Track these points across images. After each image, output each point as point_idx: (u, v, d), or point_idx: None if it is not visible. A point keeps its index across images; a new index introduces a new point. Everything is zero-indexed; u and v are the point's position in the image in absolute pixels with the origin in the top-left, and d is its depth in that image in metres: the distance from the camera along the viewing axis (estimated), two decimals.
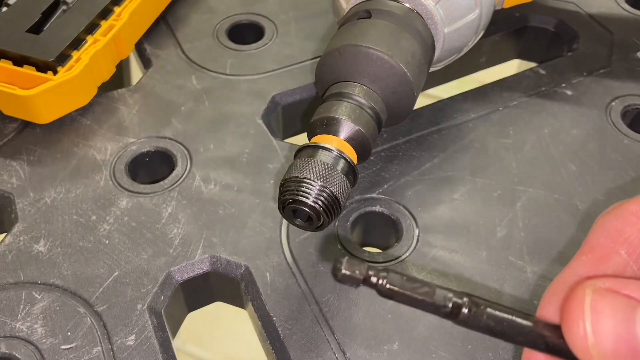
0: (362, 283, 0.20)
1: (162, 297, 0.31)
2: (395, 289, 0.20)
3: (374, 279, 0.20)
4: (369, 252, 0.32)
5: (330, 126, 0.29)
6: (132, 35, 0.40)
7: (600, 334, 0.18)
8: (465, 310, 0.20)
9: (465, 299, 0.20)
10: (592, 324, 0.19)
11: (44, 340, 0.28)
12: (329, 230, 0.32)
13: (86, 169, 0.35)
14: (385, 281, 0.20)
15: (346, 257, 0.20)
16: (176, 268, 0.31)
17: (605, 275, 0.20)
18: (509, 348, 0.28)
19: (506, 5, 0.42)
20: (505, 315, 0.20)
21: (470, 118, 0.38)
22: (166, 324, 0.30)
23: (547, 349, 0.20)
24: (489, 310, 0.20)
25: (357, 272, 0.19)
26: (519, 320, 0.20)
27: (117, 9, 0.39)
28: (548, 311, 0.21)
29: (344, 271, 0.19)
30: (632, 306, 0.18)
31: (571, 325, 0.19)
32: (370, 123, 0.30)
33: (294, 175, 0.27)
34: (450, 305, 0.20)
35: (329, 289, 0.30)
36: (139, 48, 0.42)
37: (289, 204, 0.27)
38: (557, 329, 0.20)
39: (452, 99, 0.39)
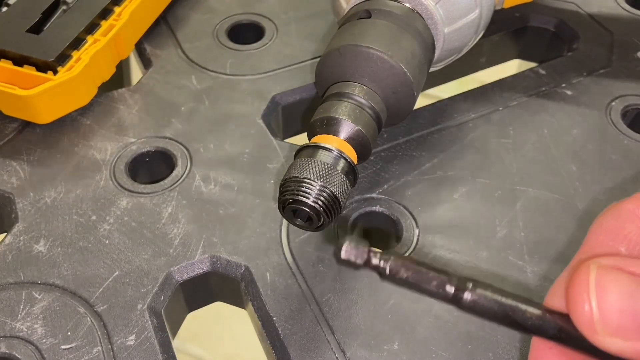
0: (363, 266, 0.19)
1: (162, 297, 0.31)
2: (397, 273, 0.19)
3: (375, 262, 0.19)
4: None
5: (330, 126, 0.29)
6: (132, 35, 0.40)
7: (605, 309, 0.18)
8: (468, 295, 0.19)
9: (469, 284, 0.19)
10: (597, 299, 0.18)
11: (44, 340, 0.28)
12: (329, 230, 0.32)
13: (86, 169, 0.35)
14: (386, 264, 0.19)
15: (348, 240, 0.19)
16: (176, 268, 0.31)
17: (609, 253, 0.20)
18: (509, 348, 0.28)
19: (506, 5, 0.42)
20: (512, 301, 0.19)
21: (470, 118, 0.38)
22: (166, 324, 0.30)
23: (556, 335, 0.20)
24: (494, 295, 0.19)
25: (358, 257, 0.19)
26: (527, 306, 0.19)
27: (117, 9, 0.39)
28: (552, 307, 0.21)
29: (343, 256, 0.19)
30: (637, 282, 0.18)
31: (576, 301, 0.19)
32: (370, 123, 0.30)
33: (294, 175, 0.27)
34: (453, 289, 0.19)
35: (329, 289, 0.30)
36: (139, 48, 0.42)
37: (289, 204, 0.27)
38: (565, 317, 0.20)
39: (452, 99, 0.39)
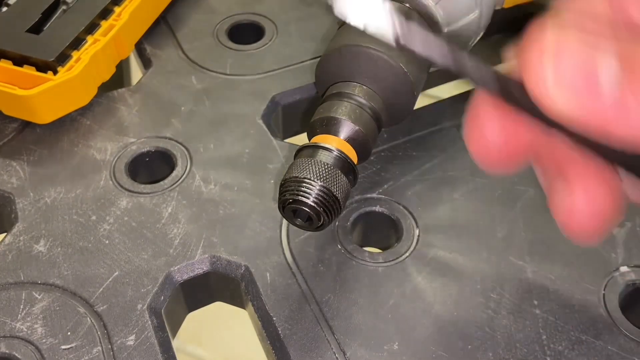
0: None
1: (162, 297, 0.31)
2: None
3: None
4: (369, 252, 0.32)
5: (330, 126, 0.29)
6: (132, 35, 0.40)
7: (560, 63, 0.18)
8: (408, 26, 0.17)
9: (413, 13, 0.18)
10: (554, 54, 0.18)
11: (44, 340, 0.28)
12: (329, 230, 0.32)
13: (86, 169, 0.35)
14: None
15: None
16: (176, 268, 0.31)
17: (571, 12, 0.19)
18: (509, 348, 0.28)
19: (506, 5, 0.42)
20: (452, 44, 0.18)
21: None
22: (166, 324, 0.30)
23: (500, 90, 0.19)
24: (437, 35, 0.18)
25: None
26: (474, 57, 0.18)
27: (117, 9, 0.39)
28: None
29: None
30: (595, 42, 0.18)
31: (530, 55, 0.18)
32: (370, 123, 0.30)
33: (294, 175, 0.27)
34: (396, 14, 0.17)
35: (329, 289, 0.30)
36: (139, 48, 0.42)
37: (289, 204, 0.27)
38: (515, 82, 0.19)
39: (452, 99, 0.39)
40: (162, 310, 0.30)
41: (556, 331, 0.29)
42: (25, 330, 0.29)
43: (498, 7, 0.38)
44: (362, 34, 0.31)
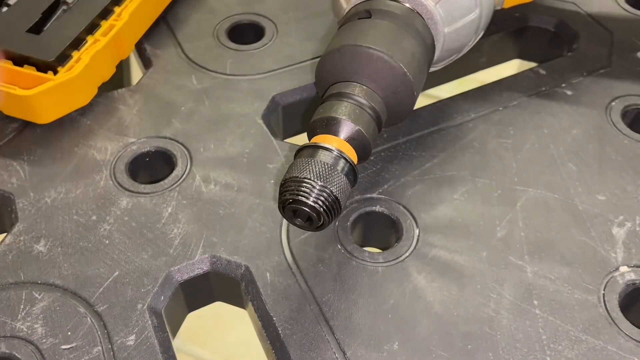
0: None
1: (162, 297, 0.31)
2: None
3: None
4: (369, 252, 0.32)
5: (330, 126, 0.29)
6: (132, 35, 0.40)
7: None
8: None
9: None
10: None
11: (44, 340, 0.28)
12: (329, 230, 0.32)
13: (86, 169, 0.35)
14: None
15: None
16: (176, 268, 0.31)
17: None
18: (509, 348, 0.28)
19: (506, 5, 0.42)
20: None
21: (470, 118, 0.38)
22: (166, 324, 0.30)
23: None
24: None
25: None
26: None
27: (117, 9, 0.39)
28: None
29: None
30: None
31: None
32: (370, 123, 0.30)
33: (294, 175, 0.27)
34: None
35: (329, 289, 0.30)
36: (139, 48, 0.42)
37: (289, 204, 0.27)
38: None
39: (452, 99, 0.39)
40: (162, 310, 0.30)
41: (556, 331, 0.29)
42: (26, 330, 0.29)
43: (498, 8, 0.38)
44: (362, 34, 0.31)
